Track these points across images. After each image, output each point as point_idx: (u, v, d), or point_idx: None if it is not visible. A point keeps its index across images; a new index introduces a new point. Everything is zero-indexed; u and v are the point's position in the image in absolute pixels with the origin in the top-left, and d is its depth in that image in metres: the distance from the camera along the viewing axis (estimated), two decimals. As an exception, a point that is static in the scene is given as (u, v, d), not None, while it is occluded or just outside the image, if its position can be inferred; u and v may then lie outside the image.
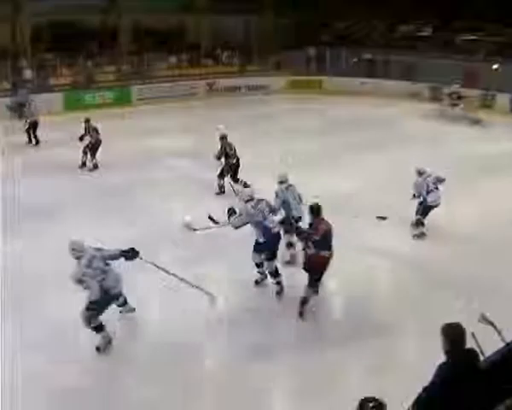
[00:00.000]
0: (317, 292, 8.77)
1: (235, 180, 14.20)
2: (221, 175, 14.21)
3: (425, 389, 4.73)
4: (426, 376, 4.76)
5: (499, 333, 5.31)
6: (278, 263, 9.46)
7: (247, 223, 9.14)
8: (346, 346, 7.96)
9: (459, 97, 24.30)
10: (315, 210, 8.59)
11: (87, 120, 16.62)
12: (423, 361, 6.07)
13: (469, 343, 4.92)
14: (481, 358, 5.03)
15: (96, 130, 16.46)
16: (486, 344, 5.22)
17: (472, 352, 4.87)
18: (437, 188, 11.86)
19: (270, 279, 9.47)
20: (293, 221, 9.76)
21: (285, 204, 10.39)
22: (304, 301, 8.62)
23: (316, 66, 32.62)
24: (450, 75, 26.19)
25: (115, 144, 17.72)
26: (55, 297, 8.88)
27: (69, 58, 27.52)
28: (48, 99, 24.05)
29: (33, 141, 19.13)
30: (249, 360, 7.71)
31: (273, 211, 9.42)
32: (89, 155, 16.32)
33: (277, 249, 9.24)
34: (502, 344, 5.29)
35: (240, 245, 10.00)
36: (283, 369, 7.65)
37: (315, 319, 8.70)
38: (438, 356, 4.85)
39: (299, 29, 32.40)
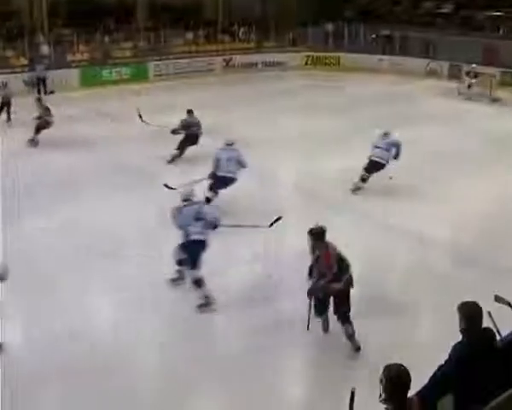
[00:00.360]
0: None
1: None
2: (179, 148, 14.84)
3: (440, 368, 4.69)
4: (440, 354, 4.72)
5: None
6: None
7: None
8: (358, 324, 7.74)
9: (475, 76, 23.96)
10: (319, 236, 7.32)
11: (38, 99, 16.49)
12: (437, 340, 6.18)
13: (486, 323, 4.85)
14: (498, 337, 4.96)
15: (47, 109, 16.20)
16: (503, 324, 5.15)
17: (488, 331, 4.80)
18: (387, 150, 12.32)
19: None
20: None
21: (217, 162, 11.41)
22: (351, 336, 7.42)
23: (334, 42, 32.25)
24: (469, 52, 25.94)
25: (132, 120, 17.62)
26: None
27: (86, 34, 27.44)
28: (64, 75, 24.38)
29: (5, 117, 18.46)
30: (251, 348, 7.57)
31: (200, 219, 8.49)
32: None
33: (198, 259, 8.39)
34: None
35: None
36: (291, 348, 7.50)
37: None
38: (452, 335, 4.82)
39: (319, 4, 31.94)
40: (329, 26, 32.17)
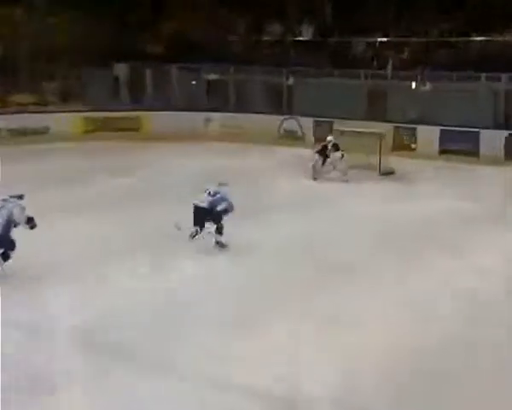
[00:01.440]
0: None
1: None
2: None
3: None
4: None
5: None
6: None
7: None
8: None
9: (337, 148, 21.24)
10: None
11: None
12: None
13: None
14: None
15: None
16: None
17: None
18: (211, 196, 14.59)
19: None
20: None
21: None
22: None
23: (130, 94, 30.66)
24: (343, 101, 24.89)
25: None
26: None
27: None
28: None
29: None
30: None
31: None
32: None
33: None
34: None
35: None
36: None
37: None
38: None
39: (107, 35, 29.55)
40: (121, 69, 30.36)
